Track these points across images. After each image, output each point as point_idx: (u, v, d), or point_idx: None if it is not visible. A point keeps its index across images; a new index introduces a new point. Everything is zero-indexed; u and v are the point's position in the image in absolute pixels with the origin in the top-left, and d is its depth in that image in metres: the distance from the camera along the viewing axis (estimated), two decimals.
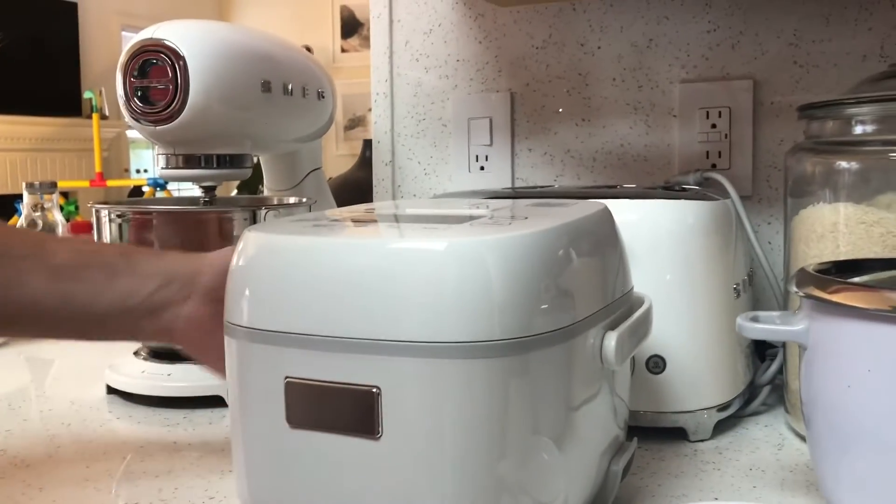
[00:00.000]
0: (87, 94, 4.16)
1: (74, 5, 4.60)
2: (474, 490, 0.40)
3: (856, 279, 0.48)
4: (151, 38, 0.75)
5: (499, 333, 0.40)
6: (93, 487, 0.58)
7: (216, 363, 0.55)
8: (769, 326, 0.48)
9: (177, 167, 0.79)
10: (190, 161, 0.79)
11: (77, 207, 3.69)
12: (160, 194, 3.53)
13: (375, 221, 0.52)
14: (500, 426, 0.40)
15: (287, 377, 0.42)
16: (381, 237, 0.46)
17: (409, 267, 0.40)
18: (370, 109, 1.06)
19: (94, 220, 0.80)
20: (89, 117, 4.18)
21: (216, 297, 0.52)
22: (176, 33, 0.75)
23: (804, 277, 0.48)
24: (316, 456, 0.42)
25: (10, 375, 0.92)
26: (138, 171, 5.07)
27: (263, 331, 0.43)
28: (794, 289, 0.48)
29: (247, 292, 0.44)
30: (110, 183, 3.88)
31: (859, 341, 0.43)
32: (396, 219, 0.53)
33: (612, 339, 0.45)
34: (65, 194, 3.79)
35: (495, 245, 0.41)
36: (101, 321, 0.57)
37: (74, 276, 0.57)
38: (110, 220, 0.78)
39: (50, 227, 1.31)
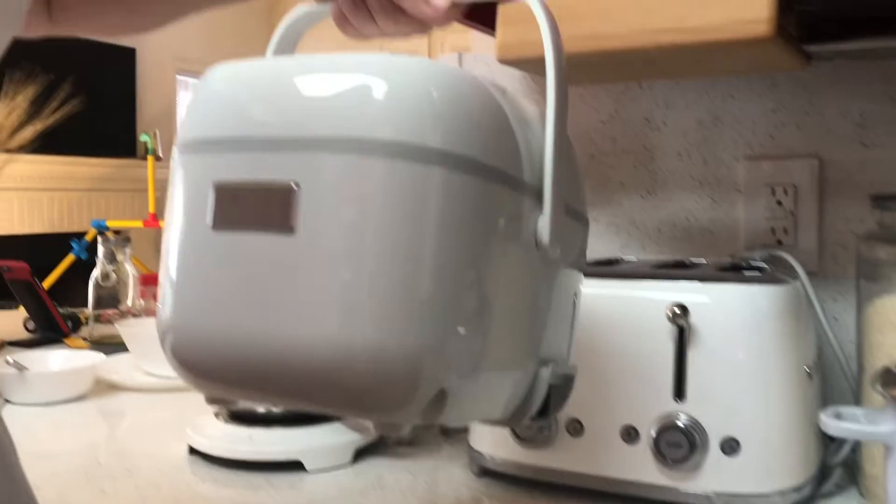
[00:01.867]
0: (143, 137, 4.28)
1: (133, 51, 4.76)
2: (381, 291, 0.40)
3: None
4: None
5: (436, 141, 0.40)
6: None
7: None
8: (854, 426, 0.49)
9: None
10: None
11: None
12: None
13: None
14: (415, 237, 0.40)
15: (215, 181, 0.43)
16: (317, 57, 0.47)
17: (347, 73, 0.42)
18: None
19: None
20: (144, 158, 4.30)
21: None
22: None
23: (890, 378, 0.49)
24: (238, 256, 0.42)
25: (89, 429, 0.96)
26: None
27: (196, 141, 0.45)
28: (879, 389, 0.49)
29: (189, 110, 0.46)
30: (162, 224, 3.97)
31: None
32: None
33: (546, 223, 0.45)
34: (117, 232, 3.90)
35: (448, 68, 0.43)
36: None
37: None
38: None
39: (123, 279, 1.36)
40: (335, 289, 0.40)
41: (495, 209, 0.43)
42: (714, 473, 0.66)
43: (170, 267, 0.45)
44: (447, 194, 0.40)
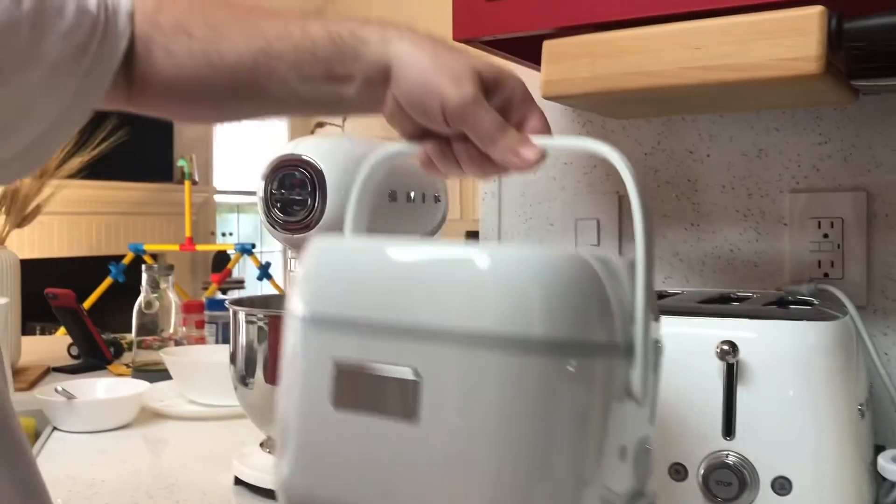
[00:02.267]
0: (180, 162, 4.35)
1: None
2: (495, 476, 0.42)
3: None
4: (292, 154, 0.81)
5: (541, 333, 0.42)
6: None
7: (444, 80, 0.54)
8: None
9: None
10: None
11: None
12: (248, 259, 3.65)
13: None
14: (526, 424, 0.42)
15: (336, 360, 0.46)
16: (440, 245, 0.48)
17: (456, 262, 0.45)
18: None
19: (231, 317, 0.85)
20: (180, 182, 4.37)
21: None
22: (314, 149, 0.81)
23: None
24: (358, 436, 0.45)
25: (135, 457, 0.97)
26: (224, 235, 5.25)
27: (318, 316, 0.47)
28: None
29: (301, 283, 0.49)
30: (199, 247, 4.03)
31: None
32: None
33: (637, 374, 0.46)
34: (154, 256, 3.95)
35: (540, 254, 0.45)
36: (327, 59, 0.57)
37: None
38: (247, 322, 0.83)
39: (165, 307, 1.38)
40: (453, 482, 0.42)
41: (601, 383, 0.45)
42: None
43: (289, 431, 0.48)
44: (554, 383, 0.43)
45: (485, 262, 0.44)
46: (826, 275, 0.88)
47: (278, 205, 0.82)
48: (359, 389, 0.45)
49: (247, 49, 0.56)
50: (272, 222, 0.83)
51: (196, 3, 0.59)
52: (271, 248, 5.11)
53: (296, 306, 0.49)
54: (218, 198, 5.20)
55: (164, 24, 0.56)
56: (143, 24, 0.56)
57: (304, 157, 0.81)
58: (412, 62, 0.55)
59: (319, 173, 0.80)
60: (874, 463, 0.73)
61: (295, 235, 0.82)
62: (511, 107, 0.56)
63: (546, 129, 0.57)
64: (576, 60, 0.75)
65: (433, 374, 0.43)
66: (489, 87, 0.55)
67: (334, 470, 0.46)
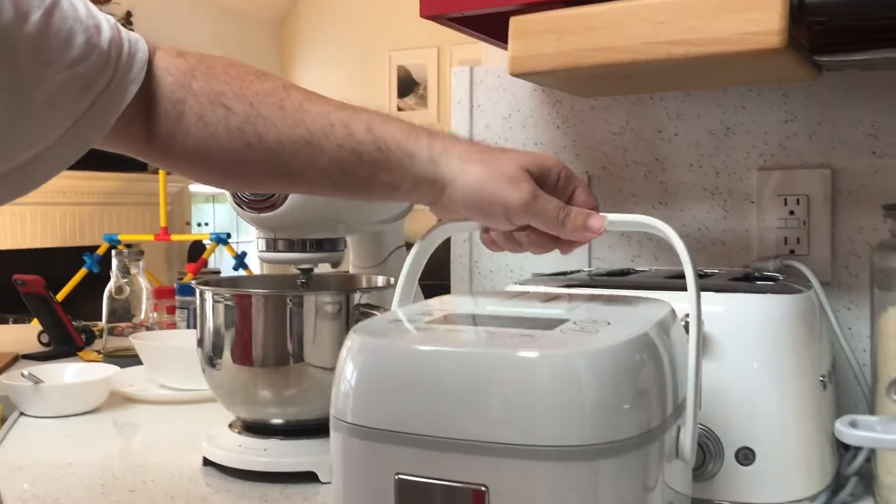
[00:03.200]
0: None
1: None
2: None
3: None
4: None
5: (590, 438, 0.43)
6: None
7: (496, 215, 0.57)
8: (871, 434, 0.49)
9: (276, 251, 0.84)
10: (289, 245, 0.84)
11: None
12: (223, 249, 3.63)
13: (472, 324, 0.55)
14: None
15: (398, 474, 0.45)
16: (483, 346, 0.49)
17: (512, 374, 0.44)
18: None
19: (197, 297, 0.85)
20: (154, 172, 4.33)
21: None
22: None
23: None
24: None
25: (104, 441, 0.96)
26: (199, 225, 5.21)
27: (370, 428, 0.47)
28: (893, 398, 0.49)
29: (355, 391, 0.48)
30: (174, 237, 4.00)
31: None
32: (489, 321, 0.55)
33: (687, 435, 0.48)
34: (129, 246, 3.92)
35: (585, 356, 0.45)
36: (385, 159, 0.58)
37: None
38: (214, 301, 0.82)
39: (136, 292, 1.37)
40: None
41: (654, 463, 0.47)
42: (729, 483, 0.66)
43: None
44: (609, 479, 0.44)
45: (532, 375, 0.44)
46: (792, 251, 0.89)
47: None
48: (423, 502, 0.45)
49: (287, 136, 0.57)
50: (238, 202, 0.82)
51: (232, 72, 0.59)
52: (247, 237, 5.08)
53: (346, 413, 0.48)
54: (193, 187, 5.16)
55: (199, 91, 0.57)
56: (176, 86, 0.57)
57: None
58: (467, 178, 0.58)
59: None
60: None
61: (262, 214, 0.81)
62: (559, 186, 0.60)
63: (592, 199, 0.61)
64: (542, 37, 0.75)
65: (498, 485, 0.44)
66: (539, 177, 0.58)
67: None
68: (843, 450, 0.77)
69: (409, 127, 0.59)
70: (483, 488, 0.43)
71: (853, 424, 0.50)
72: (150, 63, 0.56)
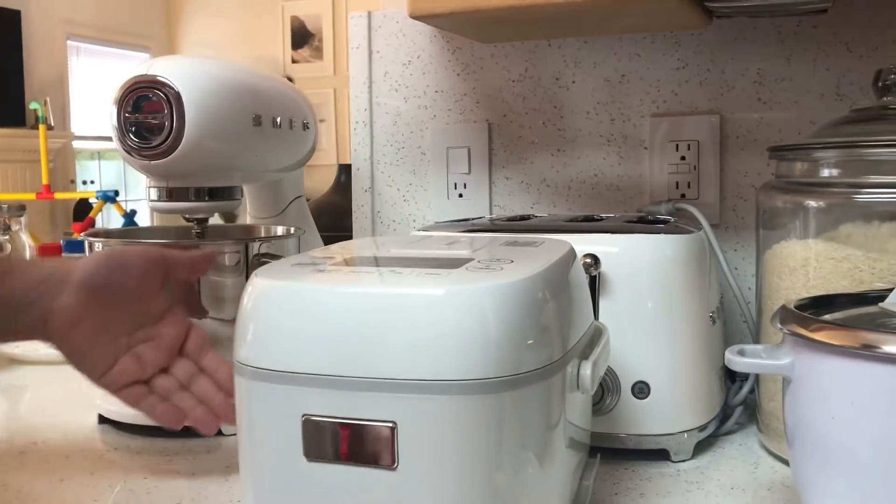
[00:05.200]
0: (32, 105, 4.07)
1: (17, 13, 4.50)
2: None
3: (832, 316, 0.52)
4: (146, 74, 0.77)
5: (495, 371, 0.44)
6: None
7: (91, 363, 0.62)
8: (757, 360, 0.52)
9: (168, 200, 0.81)
10: (182, 194, 0.81)
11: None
12: (111, 207, 3.48)
13: (376, 266, 0.55)
14: (496, 451, 0.45)
15: (304, 415, 0.45)
16: (388, 286, 0.48)
17: (419, 311, 0.44)
18: (323, 120, 1.08)
19: (86, 250, 0.81)
20: (34, 128, 4.09)
21: (90, 286, 0.60)
22: (170, 70, 0.77)
23: (787, 315, 0.52)
24: (333, 487, 0.45)
25: None
26: (84, 183, 4.97)
27: (278, 371, 0.46)
28: (778, 325, 0.52)
29: (259, 335, 0.47)
30: (58, 195, 3.80)
31: (840, 376, 0.47)
32: (393, 263, 0.55)
33: (587, 369, 0.50)
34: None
35: (491, 291, 0.45)
36: None
37: None
38: None
39: (18, 250, 1.30)
40: None
41: (556, 395, 0.48)
42: (626, 416, 0.68)
43: (263, 490, 0.48)
44: (515, 411, 0.45)
45: (439, 311, 0.44)
46: (683, 195, 0.92)
47: (133, 129, 0.77)
48: (332, 443, 0.45)
49: None
50: (128, 149, 0.78)
51: None
52: (136, 195, 4.89)
53: (250, 358, 0.47)
54: (77, 144, 4.91)
55: None
56: None
57: (159, 79, 0.76)
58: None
59: (177, 95, 0.76)
60: (724, 368, 0.78)
61: (153, 162, 0.78)
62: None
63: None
64: None
65: (407, 422, 0.44)
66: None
67: None
68: (730, 382, 0.81)
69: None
70: (391, 425, 0.43)
71: (741, 353, 0.53)
72: None
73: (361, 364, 0.44)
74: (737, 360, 0.53)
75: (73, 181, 4.84)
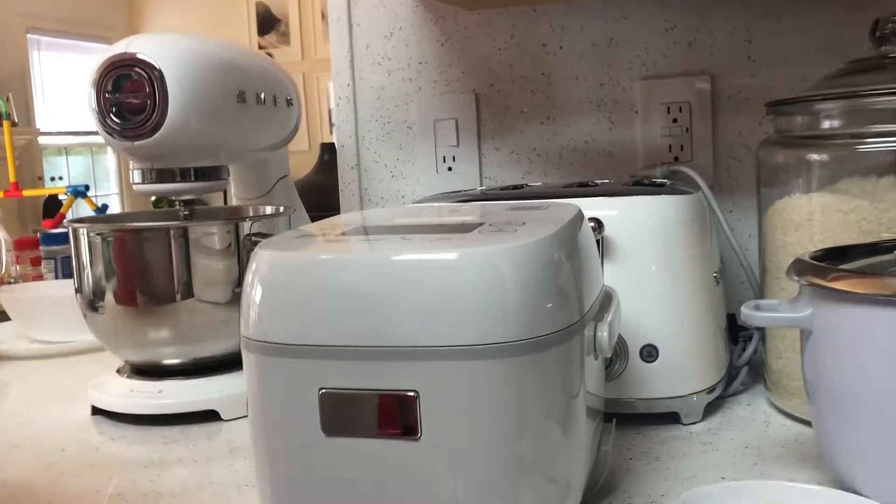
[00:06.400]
0: None
1: None
2: (499, 472, 0.43)
3: (851, 266, 0.52)
4: (125, 53, 0.74)
5: (515, 335, 0.42)
6: None
7: None
8: (774, 315, 0.51)
9: (153, 182, 0.78)
10: (166, 175, 0.78)
11: None
12: (82, 203, 3.42)
13: (381, 233, 0.53)
14: (520, 418, 0.43)
15: (322, 388, 0.43)
16: (401, 252, 0.46)
17: (435, 276, 0.42)
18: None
19: (70, 237, 0.78)
20: None
21: None
22: (150, 47, 0.74)
23: (803, 267, 0.51)
24: (354, 462, 0.44)
25: None
26: (52, 179, 4.88)
27: (290, 345, 0.44)
28: (794, 277, 0.51)
29: (268, 308, 0.45)
30: (26, 193, 3.72)
31: (864, 325, 0.47)
32: (402, 230, 0.54)
33: (604, 331, 0.49)
34: None
35: (507, 253, 0.43)
36: None
37: None
38: (89, 239, 0.76)
39: None
40: (455, 480, 0.43)
41: (576, 358, 0.47)
42: (635, 380, 0.68)
43: (279, 469, 0.46)
44: (536, 376, 0.44)
45: (455, 275, 0.43)
46: (676, 158, 0.91)
47: (114, 110, 0.75)
48: (350, 415, 0.43)
49: None
50: (109, 130, 0.76)
51: None
52: (106, 190, 4.81)
53: (260, 333, 0.45)
54: (43, 140, 4.81)
55: None
56: None
57: (139, 57, 0.74)
58: None
59: (159, 73, 0.73)
60: (727, 329, 0.78)
61: (136, 143, 0.75)
62: None
63: None
64: None
65: (429, 390, 0.42)
66: None
67: (334, 495, 0.44)
68: (733, 344, 0.81)
69: None
70: (413, 393, 0.42)
71: (758, 308, 0.52)
72: None
73: (379, 332, 0.42)
74: (753, 315, 0.52)
75: (40, 178, 4.75)
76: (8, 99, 4.17)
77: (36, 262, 1.31)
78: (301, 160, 3.02)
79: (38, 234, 1.32)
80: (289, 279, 0.45)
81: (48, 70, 4.86)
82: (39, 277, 1.30)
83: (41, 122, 4.81)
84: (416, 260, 0.43)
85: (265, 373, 0.45)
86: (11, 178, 3.71)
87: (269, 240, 0.51)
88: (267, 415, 0.46)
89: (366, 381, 0.43)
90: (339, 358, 0.43)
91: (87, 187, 3.54)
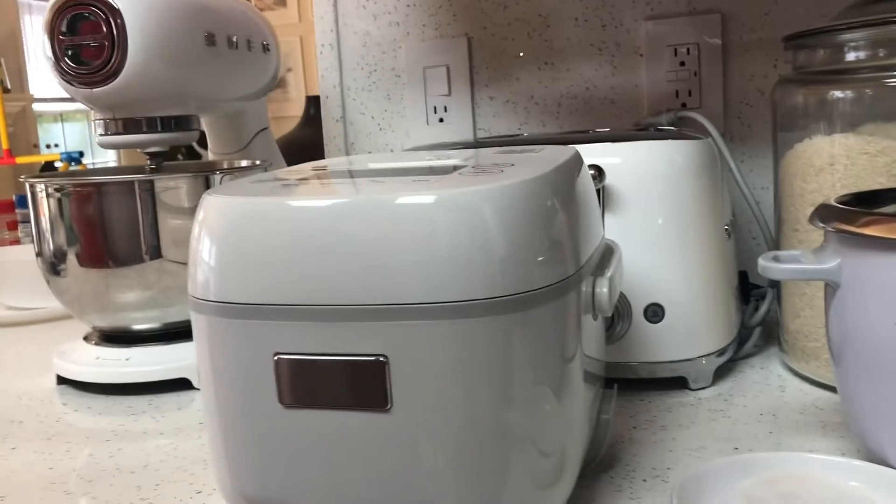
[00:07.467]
0: None
1: None
2: (483, 446, 0.38)
3: (887, 209, 0.46)
4: None
5: (501, 290, 0.37)
6: (62, 491, 0.52)
7: None
8: (796, 266, 0.45)
9: (117, 133, 0.72)
10: (132, 126, 0.72)
11: None
12: (76, 168, 3.35)
13: (350, 177, 0.47)
14: (506, 384, 0.38)
15: (276, 353, 0.38)
16: (368, 193, 0.41)
17: (406, 222, 0.37)
18: (290, 69, 0.99)
19: (28, 195, 0.73)
20: None
21: None
22: None
23: (830, 212, 0.45)
24: (316, 436, 0.38)
25: None
26: (48, 147, 4.81)
27: (242, 305, 0.38)
28: (819, 224, 0.45)
29: (216, 263, 0.39)
30: (19, 160, 3.66)
31: None
32: (374, 174, 0.48)
33: (604, 286, 0.43)
34: None
35: (490, 196, 0.37)
36: None
37: None
38: (48, 195, 0.70)
39: None
40: (431, 453, 0.38)
41: (571, 316, 0.41)
42: (639, 342, 0.62)
43: (234, 445, 0.41)
44: (525, 336, 0.38)
45: (430, 221, 0.36)
46: (684, 105, 0.85)
47: (70, 53, 0.68)
48: (312, 383, 0.37)
49: None
50: (66, 77, 0.69)
51: None
52: (104, 157, 4.75)
53: (207, 291, 0.39)
54: (38, 107, 4.73)
55: None
56: None
57: None
58: None
59: (116, 12, 0.67)
60: (738, 287, 0.72)
61: (95, 90, 0.69)
62: None
63: None
64: None
65: (399, 354, 0.36)
66: None
67: (299, 478, 0.39)
68: (744, 303, 0.75)
69: None
70: (382, 359, 0.36)
71: (776, 259, 0.46)
72: None
73: (341, 289, 0.37)
74: (772, 267, 0.46)
75: (35, 145, 4.69)
76: (0, 65, 4.10)
77: (12, 226, 1.25)
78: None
79: (14, 197, 1.26)
80: (236, 228, 0.39)
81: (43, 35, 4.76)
82: (16, 242, 1.24)
83: (35, 89, 4.72)
84: (382, 202, 0.37)
85: (215, 337, 0.40)
86: (4, 146, 3.65)
87: (220, 185, 0.45)
88: (219, 384, 0.40)
89: (327, 345, 0.37)
90: (295, 319, 0.37)
91: (81, 154, 3.48)
